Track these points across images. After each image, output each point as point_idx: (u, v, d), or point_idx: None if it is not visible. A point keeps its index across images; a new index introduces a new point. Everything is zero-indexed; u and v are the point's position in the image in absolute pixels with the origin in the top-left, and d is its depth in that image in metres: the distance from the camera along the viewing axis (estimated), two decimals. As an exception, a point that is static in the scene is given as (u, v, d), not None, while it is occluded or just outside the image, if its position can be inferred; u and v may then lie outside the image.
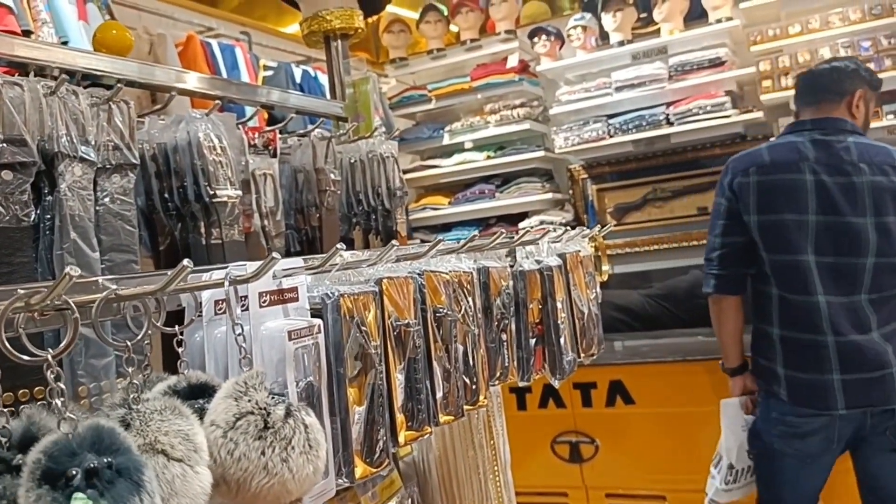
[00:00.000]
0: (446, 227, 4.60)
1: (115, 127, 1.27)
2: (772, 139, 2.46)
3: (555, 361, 1.61)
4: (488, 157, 4.51)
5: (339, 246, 0.94)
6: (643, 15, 4.30)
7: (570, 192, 4.59)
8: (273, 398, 0.80)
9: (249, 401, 0.78)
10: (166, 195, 1.44)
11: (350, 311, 1.02)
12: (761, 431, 2.34)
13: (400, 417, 1.11)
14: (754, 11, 4.02)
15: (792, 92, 4.14)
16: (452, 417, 1.24)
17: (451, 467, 1.79)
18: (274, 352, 0.92)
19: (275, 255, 0.82)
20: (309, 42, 2.02)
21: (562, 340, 1.61)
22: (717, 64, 4.00)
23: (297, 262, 0.98)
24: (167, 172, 1.43)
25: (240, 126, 1.56)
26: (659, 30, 4.21)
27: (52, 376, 0.67)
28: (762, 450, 2.35)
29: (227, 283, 0.83)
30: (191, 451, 0.70)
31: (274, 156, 1.66)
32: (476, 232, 4.36)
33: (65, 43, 2.45)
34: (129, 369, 0.74)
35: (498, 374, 1.46)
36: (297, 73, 3.58)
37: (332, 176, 1.82)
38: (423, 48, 4.82)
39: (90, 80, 1.38)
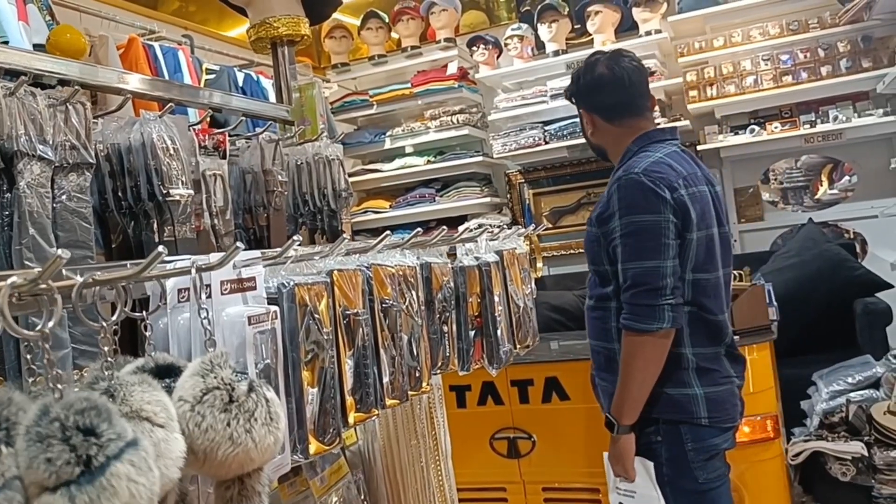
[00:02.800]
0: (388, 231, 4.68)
1: (71, 127, 1.32)
2: (651, 150, 2.10)
3: (492, 352, 1.71)
4: (428, 162, 4.61)
5: (295, 237, 1.02)
6: (577, 26, 4.48)
7: (508, 196, 4.73)
8: (237, 375, 0.87)
9: (215, 377, 0.85)
10: (120, 194, 1.49)
11: (304, 299, 1.10)
12: (683, 473, 2.08)
13: (350, 400, 1.19)
14: (681, 25, 4.23)
15: (718, 102, 4.43)
16: (398, 401, 1.32)
17: (394, 456, 1.87)
18: (234, 336, 0.99)
19: (238, 244, 0.90)
20: (256, 48, 2.08)
21: (499, 332, 1.71)
22: (646, 74, 4.17)
23: (256, 253, 1.05)
24: (121, 172, 1.48)
25: (190, 128, 1.62)
26: (592, 40, 4.39)
27: (48, 347, 0.73)
28: (697, 491, 2.09)
29: (193, 270, 0.90)
30: (169, 420, 0.77)
31: (224, 157, 1.72)
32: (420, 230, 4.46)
33: (5, 43, 2.45)
34: (105, 348, 0.81)
35: (440, 364, 1.55)
36: (240, 76, 3.61)
37: (280, 177, 1.89)
38: (364, 54, 4.89)
39: (32, 80, 1.41)
